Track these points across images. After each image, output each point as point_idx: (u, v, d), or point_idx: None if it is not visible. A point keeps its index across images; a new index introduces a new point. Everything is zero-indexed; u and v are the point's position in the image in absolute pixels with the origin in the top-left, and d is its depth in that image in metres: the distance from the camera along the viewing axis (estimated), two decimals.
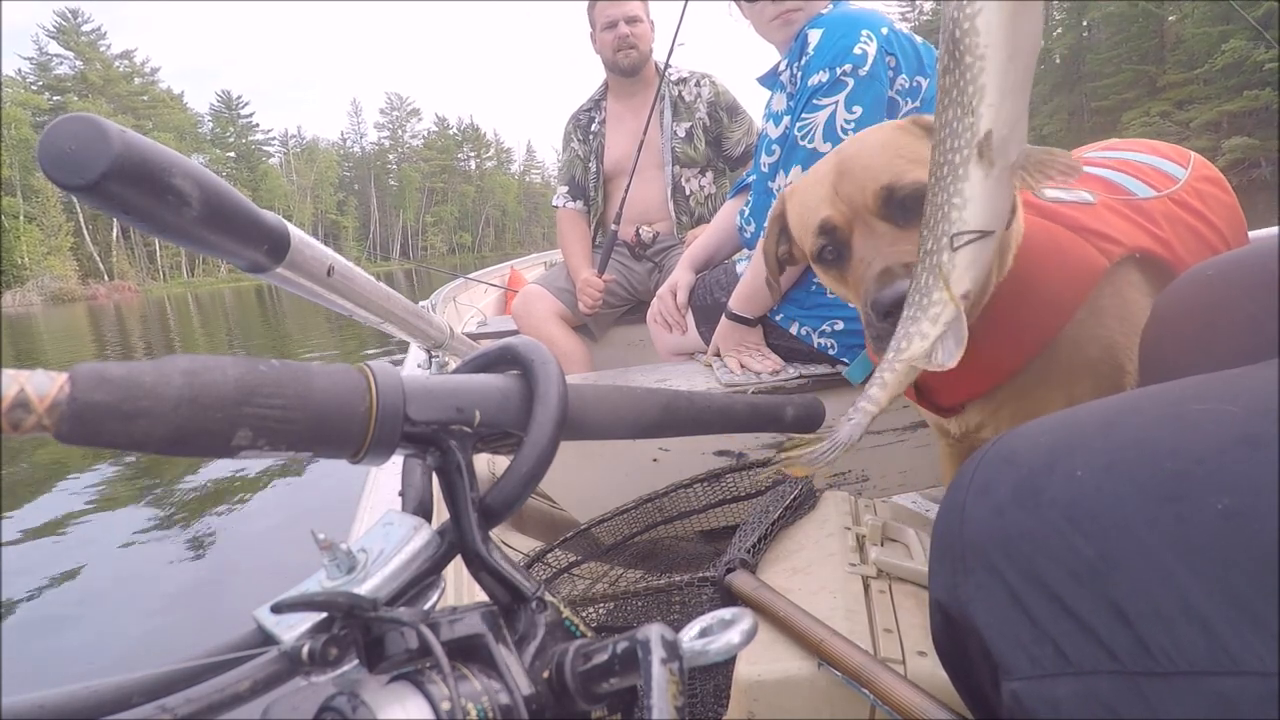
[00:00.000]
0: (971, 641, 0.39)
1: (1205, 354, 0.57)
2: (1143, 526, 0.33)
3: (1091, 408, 0.42)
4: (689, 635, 0.32)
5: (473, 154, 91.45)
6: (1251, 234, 1.01)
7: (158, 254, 58.01)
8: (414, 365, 1.60)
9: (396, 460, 0.38)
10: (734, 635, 0.32)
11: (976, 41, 0.56)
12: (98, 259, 52.62)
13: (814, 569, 0.75)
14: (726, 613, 0.33)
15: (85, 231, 51.50)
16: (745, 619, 0.32)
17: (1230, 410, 0.34)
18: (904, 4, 50.21)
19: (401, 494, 0.42)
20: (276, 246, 0.48)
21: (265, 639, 0.32)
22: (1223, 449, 0.33)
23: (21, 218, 45.61)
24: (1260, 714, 0.28)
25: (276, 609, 0.31)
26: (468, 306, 3.11)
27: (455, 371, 0.44)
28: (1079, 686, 0.33)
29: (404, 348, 1.83)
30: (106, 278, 51.56)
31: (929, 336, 0.65)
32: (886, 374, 0.68)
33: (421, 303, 1.39)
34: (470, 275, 3.56)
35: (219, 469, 3.96)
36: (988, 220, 0.61)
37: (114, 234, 53.57)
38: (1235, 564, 0.30)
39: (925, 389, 0.88)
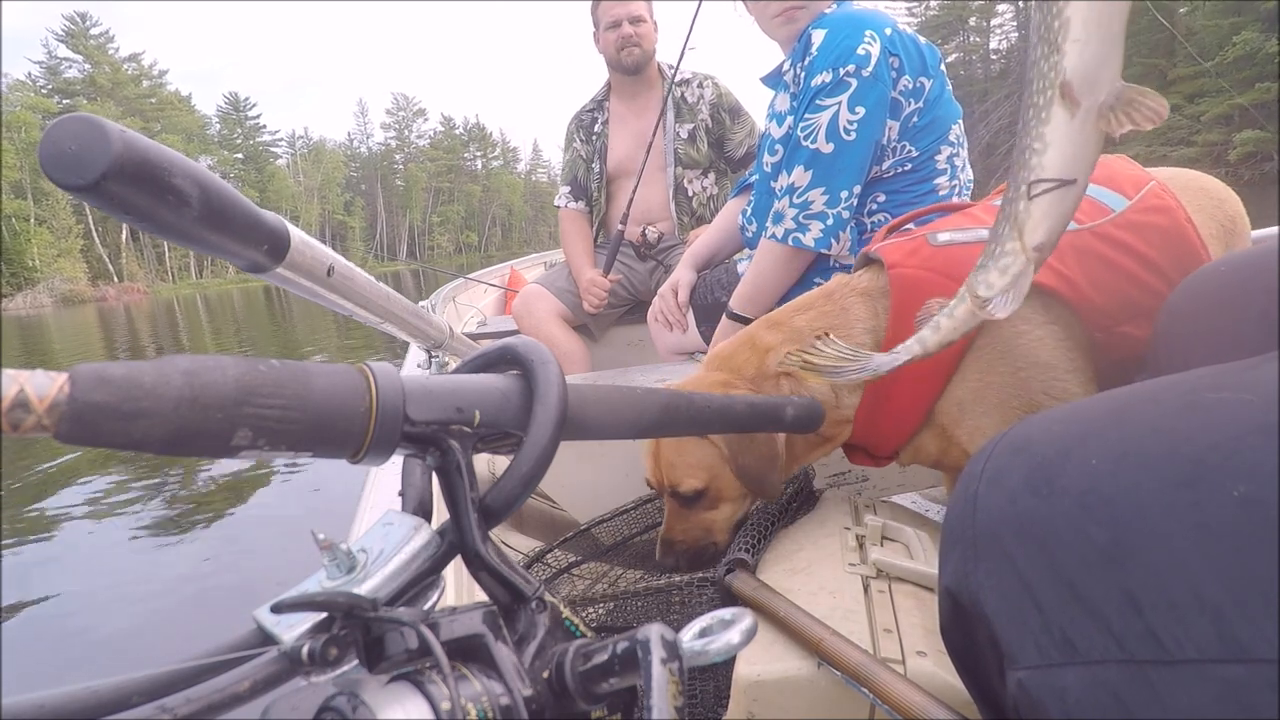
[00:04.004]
0: (980, 630, 0.39)
1: (1218, 347, 0.57)
2: (1157, 513, 0.32)
3: (1104, 398, 0.42)
4: (689, 635, 0.32)
5: (479, 154, 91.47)
6: (1254, 234, 0.99)
7: (166, 255, 58.28)
8: (414, 365, 1.60)
9: (396, 460, 0.38)
10: (734, 635, 0.32)
11: None
12: (107, 261, 52.89)
13: (813, 569, 0.75)
14: (726, 613, 0.33)
15: (95, 234, 51.75)
16: (745, 619, 0.32)
17: (1246, 399, 0.34)
18: (911, 0, 49.79)
19: (401, 494, 0.42)
20: (276, 246, 0.48)
21: (265, 639, 0.32)
22: (1239, 436, 0.32)
23: (32, 220, 45.91)
24: (1265, 700, 0.28)
25: (276, 609, 0.31)
26: (467, 306, 3.10)
27: (455, 371, 0.44)
28: (1086, 675, 0.33)
29: (402, 350, 1.83)
30: (116, 279, 51.80)
31: (994, 287, 0.63)
32: (944, 319, 0.68)
33: (421, 303, 1.39)
34: (470, 275, 3.55)
35: (218, 468, 3.98)
36: (1068, 167, 0.57)
37: (123, 236, 53.82)
38: (1251, 551, 0.29)
39: (853, 450, 0.94)
